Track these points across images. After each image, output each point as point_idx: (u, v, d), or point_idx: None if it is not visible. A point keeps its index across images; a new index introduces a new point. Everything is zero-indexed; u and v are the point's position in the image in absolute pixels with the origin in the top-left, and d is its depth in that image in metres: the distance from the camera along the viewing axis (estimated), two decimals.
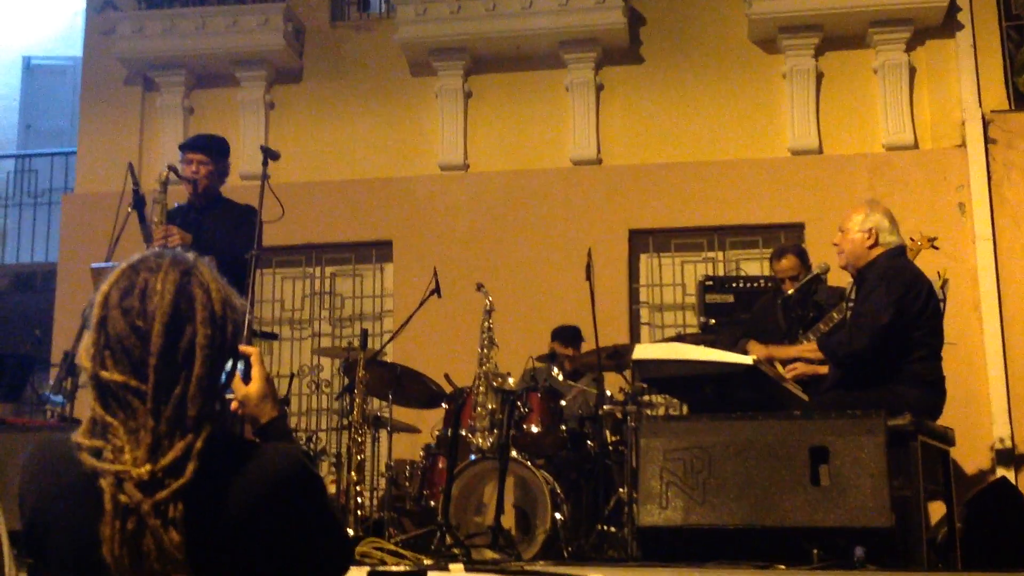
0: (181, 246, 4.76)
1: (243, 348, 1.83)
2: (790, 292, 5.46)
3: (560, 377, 6.18)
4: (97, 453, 1.63)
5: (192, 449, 1.63)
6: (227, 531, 1.64)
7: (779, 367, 5.04)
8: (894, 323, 4.50)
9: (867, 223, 4.75)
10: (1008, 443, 7.24)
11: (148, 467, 1.60)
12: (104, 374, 1.66)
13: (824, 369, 4.91)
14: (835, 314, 5.10)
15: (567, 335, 6.82)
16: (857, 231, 4.77)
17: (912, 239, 5.50)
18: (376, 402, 6.40)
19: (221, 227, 5.30)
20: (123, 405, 1.64)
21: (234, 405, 1.87)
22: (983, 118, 7.82)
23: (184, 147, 5.58)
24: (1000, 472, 7.09)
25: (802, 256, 5.95)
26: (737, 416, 4.19)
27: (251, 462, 1.68)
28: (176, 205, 5.47)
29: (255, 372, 1.88)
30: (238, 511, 1.64)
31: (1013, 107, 7.91)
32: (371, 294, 8.75)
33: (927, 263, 5.46)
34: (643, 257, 8.41)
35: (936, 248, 5.63)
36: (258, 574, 1.67)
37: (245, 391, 1.87)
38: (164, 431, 1.63)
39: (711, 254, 8.31)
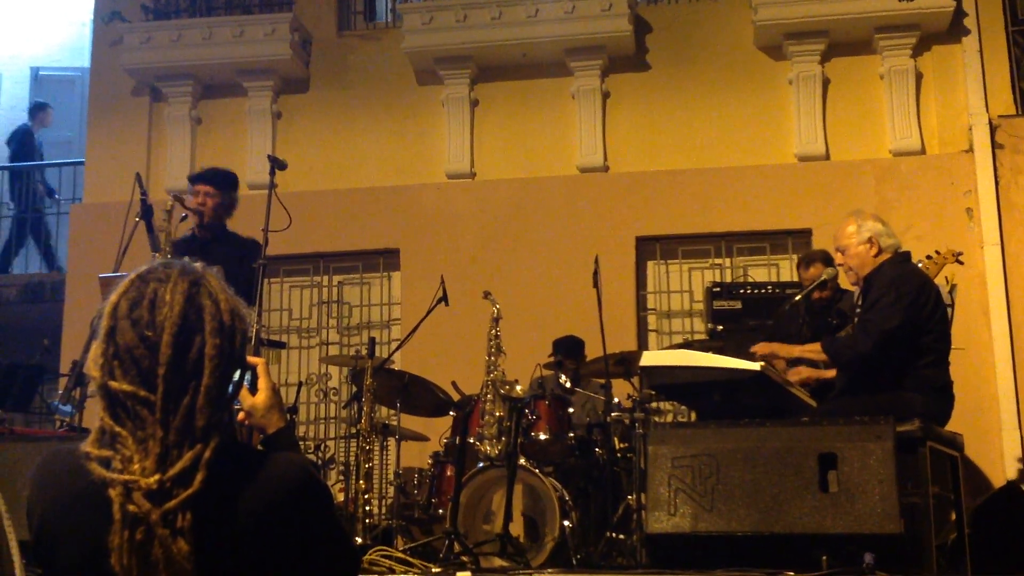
0: None
1: (250, 358, 1.84)
2: (797, 299, 5.44)
3: (568, 384, 6.18)
4: (106, 463, 1.63)
5: (200, 459, 1.63)
6: (235, 541, 1.65)
7: (785, 367, 5.01)
8: (901, 328, 4.49)
9: (864, 232, 4.72)
10: (1020, 466, 7.19)
11: (157, 477, 1.60)
12: (113, 384, 1.66)
13: (830, 373, 4.90)
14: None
15: (568, 346, 6.79)
16: (857, 244, 4.73)
17: (937, 252, 5.46)
18: (384, 410, 6.41)
19: (226, 261, 5.32)
20: (132, 415, 1.65)
21: (241, 416, 1.88)
22: (990, 123, 7.81)
23: (193, 179, 5.62)
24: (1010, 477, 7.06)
25: (829, 263, 5.86)
26: (745, 423, 4.19)
27: (258, 472, 1.68)
28: (183, 235, 5.49)
29: (261, 382, 1.89)
30: (246, 521, 1.65)
31: (1020, 111, 7.90)
32: (378, 302, 8.76)
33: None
34: (650, 264, 8.40)
35: (961, 263, 5.55)
36: None
37: (252, 401, 1.88)
38: (173, 441, 1.63)
39: (718, 261, 8.30)
